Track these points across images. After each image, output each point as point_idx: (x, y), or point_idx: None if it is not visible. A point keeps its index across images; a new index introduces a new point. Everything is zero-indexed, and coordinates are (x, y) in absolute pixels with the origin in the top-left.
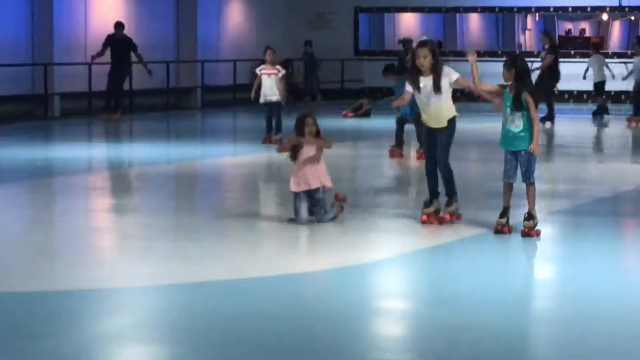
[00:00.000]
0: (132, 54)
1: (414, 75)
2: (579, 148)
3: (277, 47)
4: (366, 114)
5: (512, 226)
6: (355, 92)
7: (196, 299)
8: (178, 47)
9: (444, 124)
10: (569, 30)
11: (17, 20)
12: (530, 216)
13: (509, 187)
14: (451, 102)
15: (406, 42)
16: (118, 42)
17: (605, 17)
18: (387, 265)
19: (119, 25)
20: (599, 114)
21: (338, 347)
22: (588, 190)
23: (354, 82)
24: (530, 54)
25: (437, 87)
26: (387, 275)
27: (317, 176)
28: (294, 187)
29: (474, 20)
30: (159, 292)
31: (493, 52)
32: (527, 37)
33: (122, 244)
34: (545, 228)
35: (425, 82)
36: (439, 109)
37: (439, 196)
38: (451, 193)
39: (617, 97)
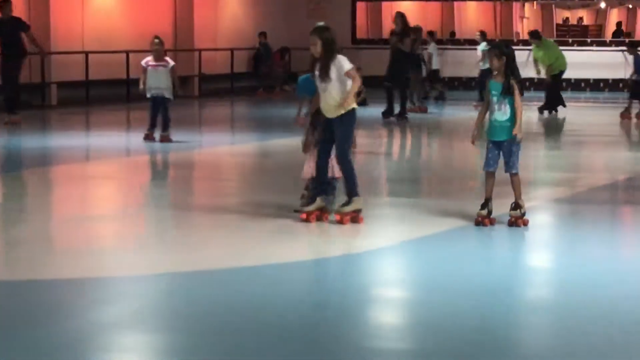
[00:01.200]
0: (25, 36)
1: (312, 61)
2: (581, 136)
3: (275, 35)
4: (363, 103)
5: (495, 217)
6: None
7: (193, 287)
8: (175, 35)
9: (335, 114)
10: (567, 18)
11: (14, 9)
12: (517, 205)
13: (489, 177)
14: (348, 93)
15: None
16: (5, 25)
17: (603, 4)
18: (383, 254)
19: (4, 4)
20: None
21: (336, 335)
22: (585, 178)
23: None
24: (528, 42)
25: (324, 74)
26: (383, 264)
27: (331, 165)
28: (308, 175)
29: (472, 9)
30: (156, 281)
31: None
32: (525, 26)
33: (119, 233)
34: (542, 216)
35: (318, 68)
36: (330, 98)
37: (325, 194)
38: (350, 192)
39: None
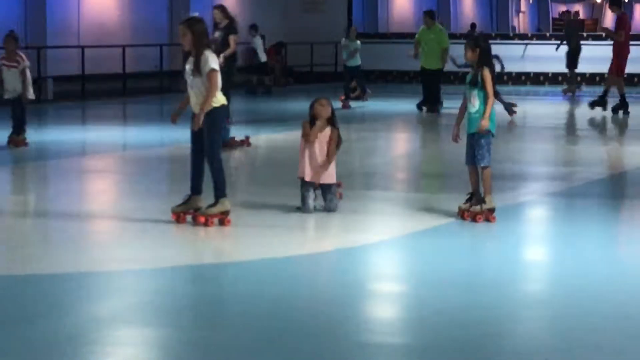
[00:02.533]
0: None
1: (184, 53)
2: (576, 130)
3: (272, 30)
4: (360, 97)
5: (485, 211)
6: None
7: (191, 282)
8: (171, 29)
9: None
10: (563, 12)
11: (10, 4)
12: (479, 200)
13: (471, 171)
14: (216, 90)
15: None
16: None
17: None
18: (380, 248)
19: None
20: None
21: (332, 328)
22: (580, 172)
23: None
24: (524, 37)
25: (196, 69)
26: (379, 258)
27: (330, 173)
28: (306, 177)
29: (468, 2)
30: (153, 275)
31: (487, 35)
32: (521, 20)
33: (117, 228)
34: (537, 210)
35: (190, 62)
36: (197, 94)
37: (200, 193)
38: (218, 193)
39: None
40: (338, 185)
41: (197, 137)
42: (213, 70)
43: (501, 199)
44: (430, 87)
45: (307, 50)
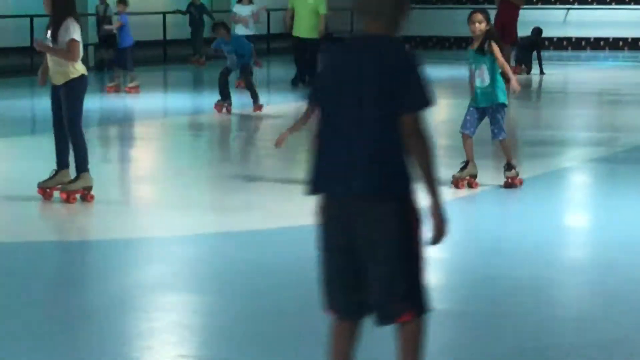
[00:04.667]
0: None
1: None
2: (614, 95)
3: None
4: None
5: (478, 181)
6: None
7: (234, 248)
8: None
9: (60, 80)
10: None
11: None
12: (509, 166)
13: (466, 139)
14: (76, 60)
15: None
16: None
17: None
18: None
19: None
20: None
21: None
22: (624, 138)
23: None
24: (565, 1)
25: (54, 37)
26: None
27: None
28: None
29: None
30: (197, 242)
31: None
32: None
33: (158, 195)
34: (580, 176)
35: (51, 30)
36: (56, 62)
37: (66, 167)
38: (79, 167)
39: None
40: None
41: (57, 110)
42: (72, 40)
43: (543, 166)
44: (303, 58)
45: (347, 15)
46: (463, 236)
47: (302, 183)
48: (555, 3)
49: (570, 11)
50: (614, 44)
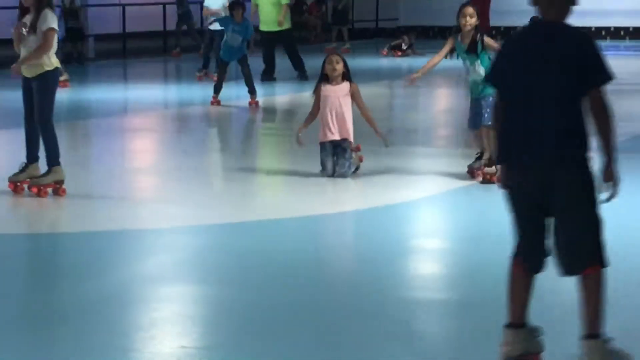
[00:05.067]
0: None
1: (21, 9)
2: (615, 85)
3: None
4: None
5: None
6: (390, 30)
7: (235, 239)
8: None
9: (33, 73)
10: None
11: None
12: (490, 162)
13: (476, 135)
14: (50, 52)
15: None
16: None
17: None
18: (417, 206)
19: None
20: None
21: (376, 285)
22: (625, 127)
23: (389, 20)
24: None
25: (32, 27)
26: (417, 216)
27: (344, 127)
28: (320, 137)
29: None
30: (198, 232)
31: None
32: None
33: (160, 185)
34: None
35: (27, 19)
36: (29, 53)
37: (36, 161)
38: (50, 161)
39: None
40: (357, 149)
41: (28, 103)
42: (51, 29)
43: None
44: (272, 53)
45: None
46: (462, 226)
47: (304, 173)
48: None
49: None
50: (616, 34)
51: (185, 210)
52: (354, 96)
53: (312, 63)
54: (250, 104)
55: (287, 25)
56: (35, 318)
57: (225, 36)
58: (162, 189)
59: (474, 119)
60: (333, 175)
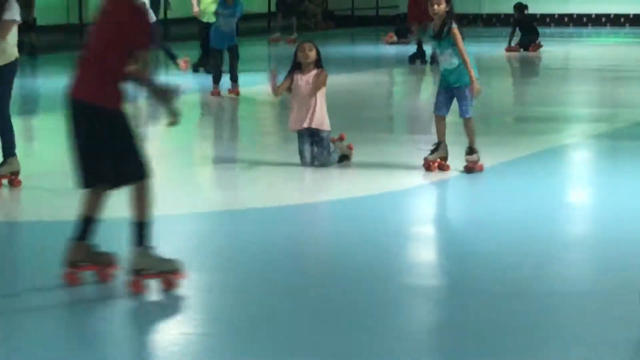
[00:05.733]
0: None
1: None
2: (615, 72)
3: None
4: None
5: (449, 164)
6: (390, 18)
7: (237, 226)
8: None
9: None
10: None
11: None
12: (471, 150)
13: (439, 121)
14: (12, 39)
15: None
16: None
17: None
18: (413, 193)
19: None
20: None
21: (376, 271)
22: (625, 114)
23: (389, 8)
24: None
25: None
26: (414, 203)
27: (317, 116)
28: (292, 125)
29: None
30: (200, 220)
31: None
32: None
33: (164, 172)
34: (581, 152)
35: None
36: None
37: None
38: (6, 152)
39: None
40: (340, 138)
41: None
42: (12, 20)
43: (545, 141)
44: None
45: None
46: (462, 212)
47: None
48: None
49: None
50: (615, 21)
51: (188, 197)
52: (317, 79)
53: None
54: (229, 92)
55: None
56: (42, 300)
57: (215, 22)
58: (162, 176)
59: (441, 106)
60: (312, 164)
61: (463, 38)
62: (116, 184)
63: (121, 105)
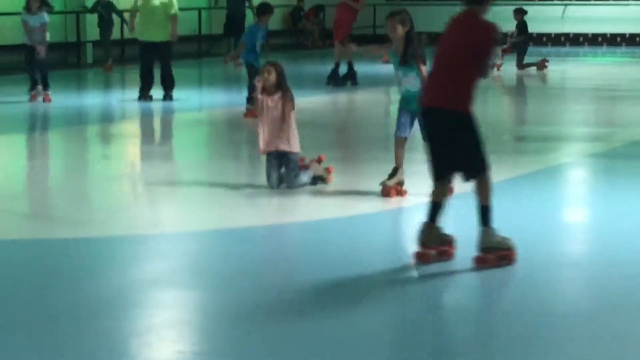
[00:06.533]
0: None
1: None
2: (612, 91)
3: None
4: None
5: (406, 189)
6: (387, 37)
7: (233, 244)
8: None
9: None
10: None
11: None
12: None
13: (399, 144)
14: None
15: None
16: None
17: None
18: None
19: None
20: None
21: (374, 289)
22: (622, 133)
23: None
24: None
25: None
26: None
27: (285, 138)
28: (261, 147)
29: None
30: (194, 238)
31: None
32: None
33: (158, 191)
34: (578, 171)
35: None
36: None
37: None
38: None
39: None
40: (318, 160)
41: None
42: None
43: (542, 161)
44: (150, 65)
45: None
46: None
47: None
48: None
49: (568, 7)
50: (612, 40)
51: (184, 215)
52: (283, 103)
53: (311, 69)
54: (248, 116)
55: (169, 37)
56: (32, 323)
57: (257, 45)
58: (159, 194)
59: (404, 128)
60: (278, 186)
61: (424, 59)
62: (468, 176)
63: (472, 109)
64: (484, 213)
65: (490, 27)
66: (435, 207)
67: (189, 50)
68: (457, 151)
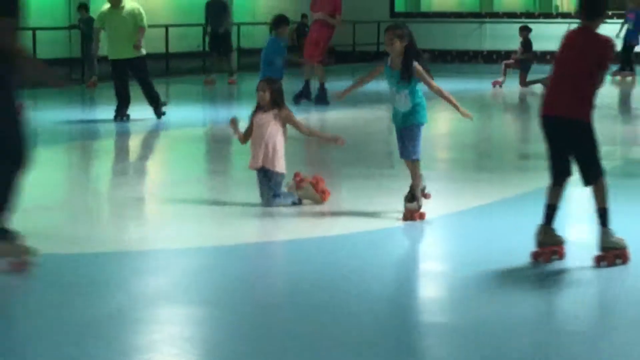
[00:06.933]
0: None
1: None
2: (613, 109)
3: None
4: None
5: (429, 193)
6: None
7: (235, 260)
8: None
9: None
10: None
11: None
12: (412, 197)
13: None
14: None
15: None
16: None
17: None
18: (420, 228)
19: None
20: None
21: (370, 308)
22: (623, 151)
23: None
24: (567, 16)
25: None
26: (417, 238)
27: (270, 156)
28: (250, 164)
29: None
30: (197, 254)
31: (529, 14)
32: None
33: (159, 207)
34: (577, 189)
35: None
36: None
37: None
38: None
39: None
40: (314, 181)
41: None
42: None
43: (541, 178)
44: (124, 84)
45: (350, 29)
46: (459, 250)
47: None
48: (557, 17)
49: (572, 25)
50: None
51: (185, 230)
52: (287, 120)
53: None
54: None
55: (141, 52)
56: (27, 340)
57: (278, 60)
58: (159, 209)
59: (403, 150)
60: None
61: (429, 72)
62: (587, 181)
63: (592, 117)
64: (602, 215)
65: (610, 41)
66: (551, 209)
67: (194, 67)
68: (579, 158)
